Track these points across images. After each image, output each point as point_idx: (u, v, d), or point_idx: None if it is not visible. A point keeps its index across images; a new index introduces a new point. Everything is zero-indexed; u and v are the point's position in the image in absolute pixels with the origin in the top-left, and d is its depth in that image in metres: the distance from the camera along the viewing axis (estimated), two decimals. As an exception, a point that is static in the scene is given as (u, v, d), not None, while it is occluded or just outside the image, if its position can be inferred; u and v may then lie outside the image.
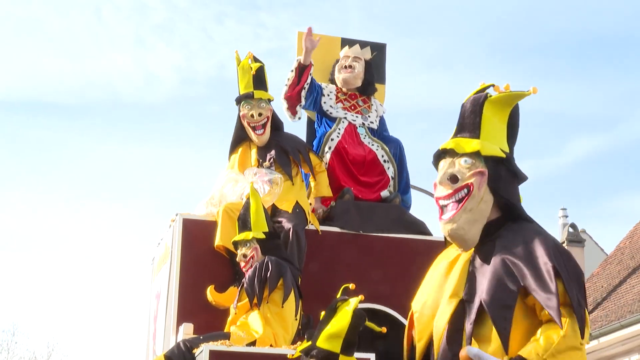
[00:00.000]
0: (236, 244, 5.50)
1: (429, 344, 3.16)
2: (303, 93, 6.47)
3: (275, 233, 5.57)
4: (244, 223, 5.52)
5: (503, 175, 3.18)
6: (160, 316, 5.88)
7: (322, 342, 3.93)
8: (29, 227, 43.61)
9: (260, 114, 6.11)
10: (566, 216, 24.93)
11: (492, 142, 3.19)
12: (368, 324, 4.15)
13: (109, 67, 39.03)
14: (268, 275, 5.19)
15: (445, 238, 3.27)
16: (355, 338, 4.01)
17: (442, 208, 3.17)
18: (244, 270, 5.42)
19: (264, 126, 6.11)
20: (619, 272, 19.74)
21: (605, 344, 17.57)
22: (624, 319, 17.06)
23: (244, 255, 5.44)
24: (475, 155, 3.15)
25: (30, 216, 43.85)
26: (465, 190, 3.13)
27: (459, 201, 3.13)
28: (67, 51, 39.36)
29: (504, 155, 3.19)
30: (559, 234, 22.43)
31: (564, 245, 18.55)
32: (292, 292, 5.22)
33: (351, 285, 4.23)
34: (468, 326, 3.04)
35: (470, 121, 3.23)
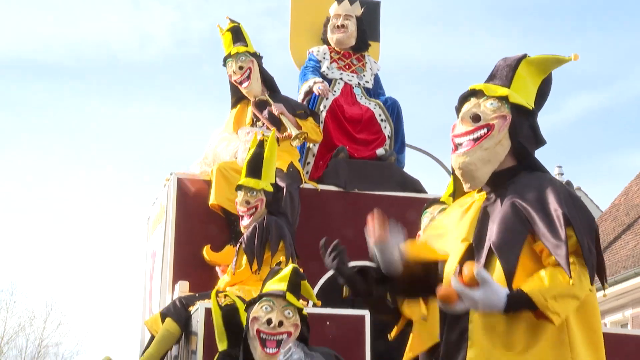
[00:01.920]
0: (240, 186, 5.42)
1: None
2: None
3: (278, 187, 5.55)
4: (254, 169, 5.41)
5: (525, 127, 3.19)
6: (156, 275, 5.91)
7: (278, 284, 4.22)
8: (26, 187, 43.59)
9: (240, 67, 6.17)
10: (562, 174, 25.02)
11: (521, 95, 3.20)
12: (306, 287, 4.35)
13: (104, 27, 38.81)
14: (269, 237, 5.19)
15: (453, 184, 3.28)
16: (297, 281, 4.20)
17: (457, 145, 3.17)
18: (241, 214, 5.35)
19: (248, 77, 6.15)
20: (613, 228, 19.84)
21: (600, 299, 17.66)
22: (618, 275, 17.18)
23: (247, 202, 5.34)
24: (503, 100, 3.16)
25: (27, 176, 43.82)
26: (486, 129, 3.13)
27: (476, 140, 3.13)
28: (63, 11, 39.09)
29: (530, 107, 3.20)
30: (554, 191, 22.42)
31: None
32: (292, 255, 5.23)
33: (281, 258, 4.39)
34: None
35: (503, 73, 3.24)
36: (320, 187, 6.06)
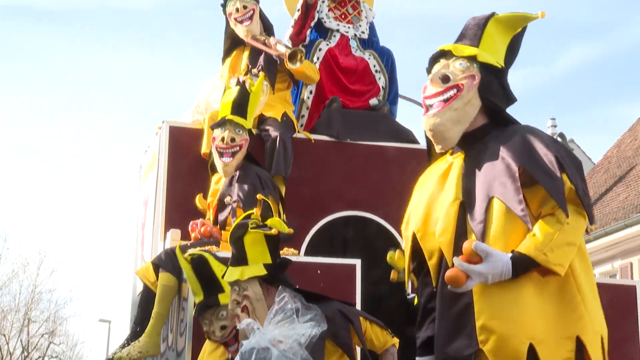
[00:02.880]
0: (224, 123, 5.35)
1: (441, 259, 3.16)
2: (308, 32, 6.44)
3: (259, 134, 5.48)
4: (239, 108, 5.34)
5: (494, 86, 3.20)
6: (148, 223, 5.92)
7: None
8: (18, 134, 43.44)
9: (245, 7, 6.15)
10: (555, 126, 25.02)
11: (490, 54, 3.21)
12: (259, 231, 3.98)
13: (94, -28, 38.31)
14: (270, 192, 5.17)
15: (427, 146, 3.29)
16: (239, 250, 3.92)
17: (428, 107, 3.18)
18: (220, 151, 5.25)
19: (250, 18, 6.12)
20: (605, 180, 19.91)
21: (589, 250, 17.77)
22: (608, 227, 17.28)
23: (233, 139, 5.26)
24: (471, 59, 3.18)
25: (19, 123, 43.62)
26: (455, 90, 3.14)
27: (446, 100, 3.14)
28: (52, -45, 38.54)
29: (499, 66, 3.21)
30: (547, 143, 22.44)
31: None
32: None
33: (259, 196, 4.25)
34: (477, 226, 3.05)
35: (472, 32, 3.25)
36: (313, 137, 6.05)
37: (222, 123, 5.35)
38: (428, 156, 3.35)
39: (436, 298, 3.14)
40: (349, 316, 3.91)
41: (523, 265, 2.96)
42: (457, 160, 3.20)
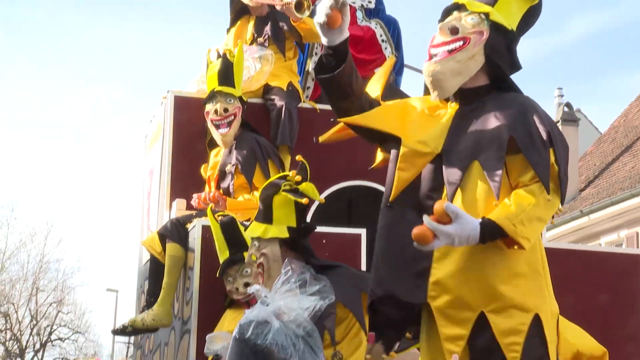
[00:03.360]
0: (214, 94, 5.32)
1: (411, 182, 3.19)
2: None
3: (244, 102, 5.43)
4: (225, 78, 5.30)
5: (502, 48, 3.19)
6: (154, 193, 5.93)
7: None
8: (26, 105, 43.42)
9: None
10: (562, 95, 24.92)
11: (503, 16, 3.21)
12: (289, 195, 4.03)
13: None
14: (270, 156, 5.18)
15: (423, 92, 3.30)
16: (266, 208, 3.96)
17: (432, 56, 3.19)
18: (216, 123, 5.25)
19: None
20: (612, 150, 19.86)
21: (595, 220, 17.85)
22: (614, 196, 17.28)
23: (225, 110, 5.25)
24: (484, 16, 3.18)
25: (26, 94, 43.58)
26: (461, 42, 3.14)
27: (451, 51, 3.15)
28: None
29: (510, 29, 3.21)
30: (554, 113, 22.45)
31: (559, 125, 18.56)
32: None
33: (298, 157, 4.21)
34: (450, 187, 3.06)
35: None
36: (319, 107, 6.03)
37: (212, 96, 5.35)
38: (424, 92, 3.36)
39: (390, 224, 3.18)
40: (360, 284, 3.89)
41: (491, 233, 2.96)
42: (450, 111, 3.21)
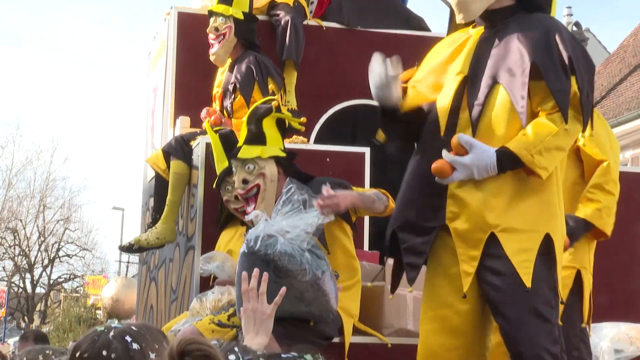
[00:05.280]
0: (211, 15, 5.29)
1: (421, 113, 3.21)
2: None
3: (253, 17, 5.39)
4: None
5: None
6: (158, 110, 5.91)
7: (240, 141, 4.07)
8: (29, 22, 43.05)
9: None
10: (570, 15, 24.60)
11: None
12: (283, 115, 4.11)
13: None
14: (269, 74, 5.15)
15: (449, 16, 3.28)
16: (257, 130, 4.01)
17: None
18: (211, 42, 5.24)
19: None
20: (620, 70, 19.70)
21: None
22: (621, 116, 17.21)
23: (216, 29, 5.23)
24: None
25: (31, 12, 43.17)
26: None
27: None
28: None
29: None
30: (562, 31, 22.14)
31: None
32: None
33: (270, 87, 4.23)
34: (475, 108, 3.06)
35: None
36: (324, 24, 5.97)
37: (209, 16, 5.32)
38: (448, 26, 3.35)
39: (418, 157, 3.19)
40: (341, 183, 3.98)
41: (509, 162, 2.98)
42: (475, 35, 3.19)
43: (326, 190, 3.69)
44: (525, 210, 3.01)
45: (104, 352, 1.88)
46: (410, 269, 3.15)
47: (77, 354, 1.90)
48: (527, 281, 2.95)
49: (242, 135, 4.13)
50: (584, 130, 3.06)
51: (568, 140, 3.03)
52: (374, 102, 5.84)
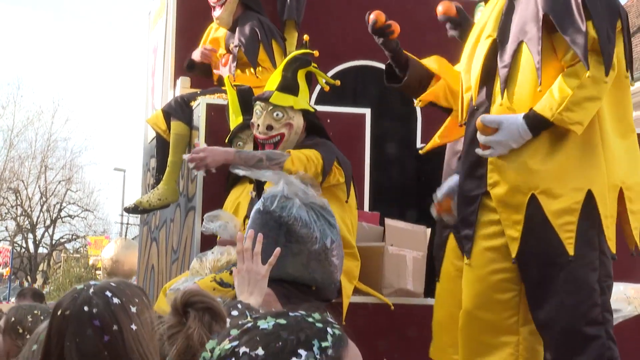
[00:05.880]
0: None
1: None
2: None
3: None
4: None
5: None
6: (158, 71, 5.89)
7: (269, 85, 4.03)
8: (26, -19, 42.66)
9: None
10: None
11: None
12: (315, 71, 4.10)
13: None
14: (273, 36, 5.12)
15: None
16: (292, 79, 3.99)
17: None
18: (212, 5, 5.19)
19: None
20: (623, 31, 19.57)
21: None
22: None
23: None
24: None
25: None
26: None
27: None
28: None
29: None
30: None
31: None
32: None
33: (305, 37, 4.21)
34: (502, 70, 3.03)
35: None
36: (324, -18, 5.92)
37: None
38: None
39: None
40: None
41: (539, 125, 2.94)
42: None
43: (195, 144, 3.71)
44: (564, 168, 2.96)
45: (85, 308, 1.90)
46: (466, 241, 3.13)
47: (59, 312, 1.92)
48: (570, 248, 2.91)
49: (273, 80, 4.06)
50: (607, 73, 2.94)
51: (598, 88, 2.93)
52: (376, 64, 5.87)
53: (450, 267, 3.65)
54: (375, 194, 5.02)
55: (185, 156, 3.79)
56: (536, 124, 2.94)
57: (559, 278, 2.94)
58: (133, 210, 5.11)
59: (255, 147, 4.10)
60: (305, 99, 4.04)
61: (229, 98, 4.51)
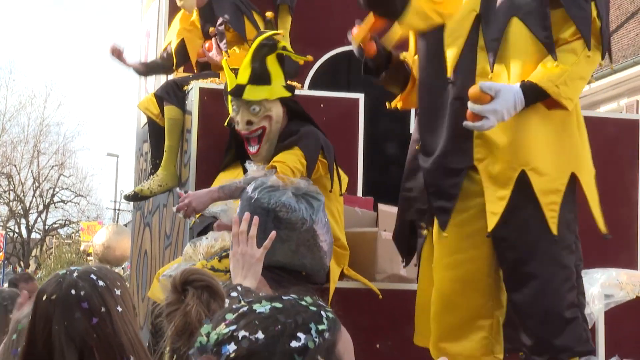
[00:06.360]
0: None
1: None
2: None
3: None
4: None
5: None
6: (151, 54, 5.86)
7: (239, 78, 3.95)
8: (18, -35, 42.42)
9: None
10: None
11: None
12: (284, 52, 4.01)
13: None
14: (252, 7, 5.10)
15: None
16: (262, 69, 3.92)
17: None
18: None
19: None
20: (617, 17, 19.54)
21: (597, 88, 17.76)
22: (617, 64, 17.12)
23: None
24: None
25: (18, -47, 42.51)
26: None
27: None
28: None
29: None
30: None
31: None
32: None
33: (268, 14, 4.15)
34: (492, 43, 3.01)
35: None
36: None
37: None
38: None
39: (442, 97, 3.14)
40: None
41: (534, 95, 2.94)
42: None
43: (180, 194, 3.72)
44: (551, 148, 2.99)
45: (72, 291, 1.90)
46: (441, 213, 3.10)
47: (44, 297, 1.90)
48: (554, 227, 2.94)
49: (243, 73, 3.99)
50: (602, 58, 3.00)
51: (589, 69, 2.98)
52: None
53: (429, 252, 3.64)
54: (369, 179, 5.01)
55: (174, 208, 3.83)
56: (532, 94, 2.93)
57: (539, 259, 2.96)
58: (133, 197, 5.08)
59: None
60: (279, 84, 3.96)
61: (227, 82, 4.48)
